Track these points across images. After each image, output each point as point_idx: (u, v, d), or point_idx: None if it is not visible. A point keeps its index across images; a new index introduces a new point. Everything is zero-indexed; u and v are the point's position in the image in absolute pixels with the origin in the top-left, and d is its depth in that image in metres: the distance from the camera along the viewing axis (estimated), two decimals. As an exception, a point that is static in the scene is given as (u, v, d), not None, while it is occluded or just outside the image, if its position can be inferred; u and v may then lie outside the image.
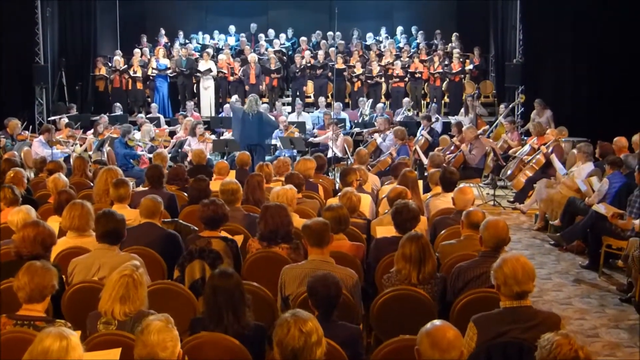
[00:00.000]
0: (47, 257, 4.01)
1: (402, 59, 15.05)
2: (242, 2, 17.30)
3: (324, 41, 16.12)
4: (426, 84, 15.06)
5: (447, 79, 14.83)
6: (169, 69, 15.03)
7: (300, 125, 12.43)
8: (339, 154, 11.11)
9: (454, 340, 2.67)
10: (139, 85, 15.08)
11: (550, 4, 12.24)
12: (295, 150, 11.48)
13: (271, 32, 16.75)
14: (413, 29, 16.71)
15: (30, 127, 12.50)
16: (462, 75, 14.91)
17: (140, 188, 7.51)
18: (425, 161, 8.86)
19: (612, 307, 5.73)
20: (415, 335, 2.78)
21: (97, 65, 15.22)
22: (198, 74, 14.87)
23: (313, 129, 13.02)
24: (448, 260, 4.40)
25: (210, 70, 14.72)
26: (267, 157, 10.21)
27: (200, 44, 16.51)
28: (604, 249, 6.50)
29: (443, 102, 15.09)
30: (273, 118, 11.25)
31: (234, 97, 11.90)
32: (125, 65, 14.99)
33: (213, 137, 12.02)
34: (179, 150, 11.64)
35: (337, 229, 4.57)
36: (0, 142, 10.40)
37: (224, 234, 4.69)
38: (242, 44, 16.00)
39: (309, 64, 15.00)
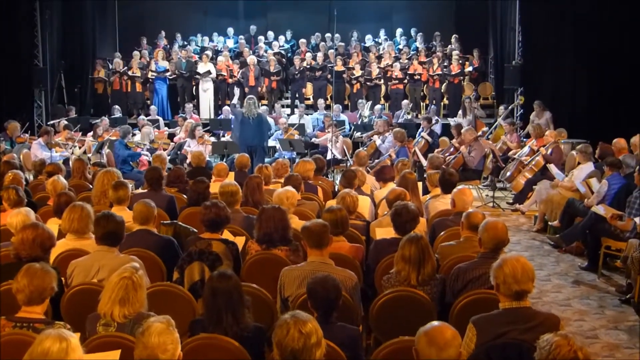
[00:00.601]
0: (47, 259, 4.00)
1: (401, 60, 15.06)
2: (241, 4, 17.27)
3: (323, 43, 16.10)
4: (425, 86, 15.06)
5: (447, 81, 14.83)
6: (168, 71, 15.01)
7: (300, 127, 12.44)
8: (338, 156, 11.11)
9: (451, 339, 2.67)
10: (139, 88, 15.07)
11: (549, 5, 12.24)
12: (294, 152, 11.49)
13: (270, 34, 16.75)
14: (412, 31, 16.72)
15: (30, 129, 12.51)
16: (462, 77, 14.92)
17: (140, 190, 7.51)
18: (425, 163, 8.86)
19: (611, 308, 5.73)
20: (414, 336, 2.78)
21: (96, 67, 15.23)
22: (197, 76, 14.85)
23: (313, 131, 13.03)
24: (447, 262, 4.40)
25: (209, 72, 14.70)
26: (266, 159, 10.22)
27: (199, 46, 16.51)
28: (603, 250, 6.50)
29: (442, 104, 15.09)
30: (271, 120, 11.25)
31: (236, 97, 11.90)
32: (125, 67, 14.99)
33: (212, 139, 12.03)
34: (178, 152, 11.64)
35: (337, 231, 4.57)
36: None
37: (225, 235, 4.67)
38: (241, 46, 15.99)
39: (308, 66, 15.00)
